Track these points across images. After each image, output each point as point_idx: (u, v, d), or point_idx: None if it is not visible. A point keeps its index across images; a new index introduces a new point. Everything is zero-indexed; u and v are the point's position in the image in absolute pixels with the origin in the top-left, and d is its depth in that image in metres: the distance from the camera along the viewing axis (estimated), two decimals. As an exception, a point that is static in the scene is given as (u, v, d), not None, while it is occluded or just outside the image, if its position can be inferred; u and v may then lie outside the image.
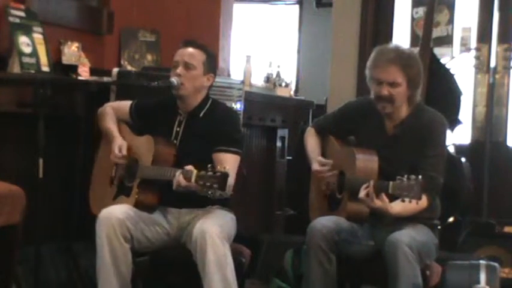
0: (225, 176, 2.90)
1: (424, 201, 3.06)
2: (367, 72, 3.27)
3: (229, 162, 3.17)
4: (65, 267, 3.63)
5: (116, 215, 3.11)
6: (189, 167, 3.00)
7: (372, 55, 3.26)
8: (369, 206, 3.07)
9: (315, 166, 3.39)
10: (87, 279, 3.64)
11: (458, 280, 3.42)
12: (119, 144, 3.33)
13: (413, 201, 2.92)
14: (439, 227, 3.37)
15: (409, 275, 2.98)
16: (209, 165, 2.96)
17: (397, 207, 3.03)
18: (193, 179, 2.96)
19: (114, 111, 3.48)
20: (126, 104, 3.50)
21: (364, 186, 3.05)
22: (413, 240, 3.03)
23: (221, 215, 3.24)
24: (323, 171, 3.37)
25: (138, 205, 3.22)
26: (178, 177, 3.01)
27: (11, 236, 2.96)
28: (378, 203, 3.02)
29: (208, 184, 2.91)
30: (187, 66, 3.27)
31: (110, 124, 3.44)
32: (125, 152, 3.32)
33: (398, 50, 3.22)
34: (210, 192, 2.93)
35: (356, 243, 3.23)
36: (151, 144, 3.24)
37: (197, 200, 3.19)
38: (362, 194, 3.05)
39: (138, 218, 3.17)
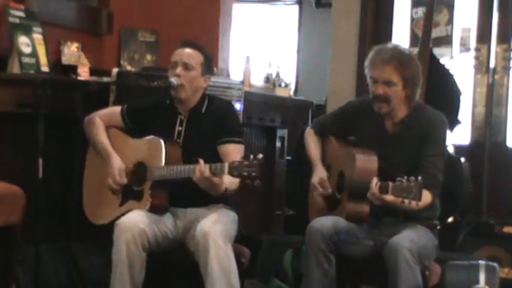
0: (262, 162, 2.85)
1: (428, 197, 3.06)
2: (365, 71, 3.27)
3: (235, 152, 3.18)
4: (64, 267, 3.63)
5: (137, 224, 3.07)
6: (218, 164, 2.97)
7: (370, 54, 3.26)
8: (382, 202, 3.00)
9: (315, 180, 3.37)
10: (86, 279, 3.64)
11: (458, 280, 3.42)
12: (118, 168, 3.27)
13: (414, 202, 2.90)
14: (438, 227, 3.37)
15: (410, 278, 2.98)
16: (240, 157, 2.92)
17: None
18: (226, 171, 2.91)
19: (103, 119, 3.42)
20: (116, 110, 3.45)
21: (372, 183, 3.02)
22: (413, 244, 3.02)
23: (224, 214, 3.23)
24: (317, 191, 3.36)
25: (152, 208, 3.18)
26: (201, 168, 2.94)
27: (11, 236, 2.97)
28: (389, 198, 2.97)
29: (245, 174, 2.86)
30: (187, 66, 3.26)
31: (102, 138, 3.38)
32: (124, 179, 3.26)
33: (395, 50, 3.22)
34: (253, 183, 2.86)
35: (355, 243, 3.22)
36: (160, 145, 3.20)
37: (202, 199, 3.19)
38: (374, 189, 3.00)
39: (154, 225, 3.14)
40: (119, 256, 3.05)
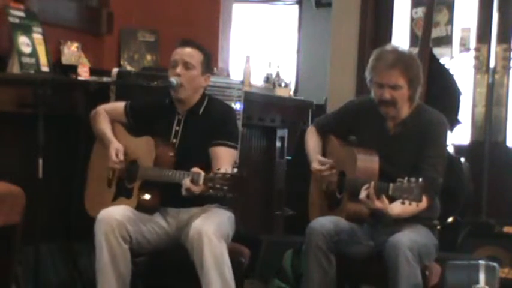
0: (236, 177, 2.88)
1: (423, 203, 3.05)
2: (366, 74, 3.27)
3: (226, 156, 3.18)
4: (64, 267, 3.63)
5: (114, 216, 3.11)
6: (196, 169, 2.98)
7: (372, 58, 3.25)
8: (368, 207, 3.07)
9: (314, 165, 3.39)
10: (86, 279, 3.64)
11: (458, 280, 3.42)
12: (116, 148, 3.32)
13: (413, 204, 2.91)
14: (438, 227, 3.37)
15: (410, 276, 2.98)
16: (218, 168, 2.95)
17: (397, 209, 3.03)
18: (201, 182, 2.94)
19: (108, 113, 3.47)
20: (120, 105, 3.49)
21: (365, 187, 3.05)
22: (414, 243, 3.02)
23: (219, 213, 3.23)
24: (322, 170, 3.37)
25: (139, 207, 3.21)
26: (188, 183, 2.98)
27: (10, 236, 2.97)
28: (378, 204, 3.01)
29: (218, 186, 2.89)
30: (187, 66, 3.27)
31: (105, 127, 3.42)
32: (121, 157, 3.31)
33: (397, 53, 3.22)
34: (219, 194, 2.90)
35: (355, 243, 3.22)
36: (152, 146, 3.23)
37: (195, 199, 3.19)
38: (362, 195, 3.05)
39: (137, 219, 3.17)
40: (100, 247, 3.09)
